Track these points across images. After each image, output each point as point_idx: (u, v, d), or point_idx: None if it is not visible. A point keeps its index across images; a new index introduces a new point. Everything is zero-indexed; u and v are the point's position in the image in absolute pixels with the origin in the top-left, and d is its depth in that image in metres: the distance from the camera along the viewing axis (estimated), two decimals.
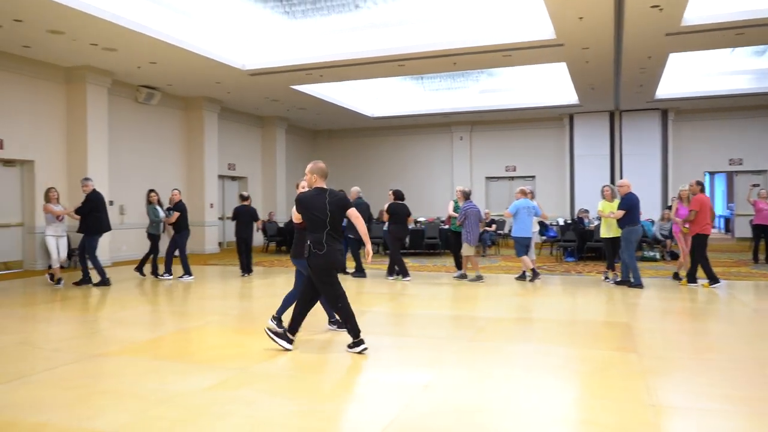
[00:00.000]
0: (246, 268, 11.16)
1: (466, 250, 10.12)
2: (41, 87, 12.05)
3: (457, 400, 4.03)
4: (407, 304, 8.29)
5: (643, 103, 16.96)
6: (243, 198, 11.16)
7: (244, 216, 10.99)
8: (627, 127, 18.27)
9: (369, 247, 5.36)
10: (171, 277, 10.53)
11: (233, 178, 18.38)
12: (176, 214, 10.43)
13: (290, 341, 5.30)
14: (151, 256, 10.79)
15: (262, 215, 17.30)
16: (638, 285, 9.08)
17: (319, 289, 5.32)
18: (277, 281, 10.49)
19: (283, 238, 16.55)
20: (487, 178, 20.74)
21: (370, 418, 3.70)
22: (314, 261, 5.15)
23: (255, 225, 11.19)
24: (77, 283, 9.64)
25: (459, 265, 10.76)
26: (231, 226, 11.81)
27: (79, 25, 9.62)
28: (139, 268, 10.89)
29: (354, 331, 5.22)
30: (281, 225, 17.00)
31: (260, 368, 4.81)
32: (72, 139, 12.54)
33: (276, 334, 5.34)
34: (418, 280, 10.51)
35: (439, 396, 4.14)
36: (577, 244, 13.39)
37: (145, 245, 10.95)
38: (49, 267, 9.81)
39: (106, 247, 12.88)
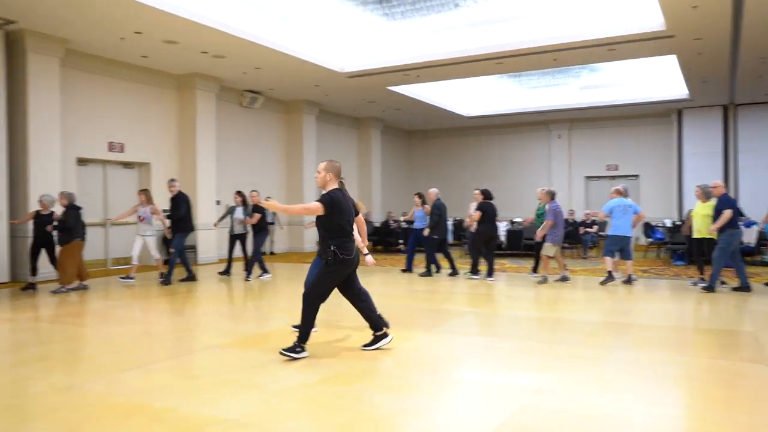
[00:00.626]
0: None
1: (548, 249, 9.86)
2: (156, 94, 12.89)
3: (574, 406, 3.88)
4: (509, 306, 8.13)
5: (762, 95, 15.73)
6: None
7: None
8: (743, 122, 17.01)
9: (365, 243, 5.95)
10: (270, 275, 10.87)
11: None
12: (257, 216, 10.56)
13: (384, 337, 5.32)
14: (236, 256, 11.14)
15: None
16: (710, 288, 8.71)
17: (315, 280, 5.15)
18: (372, 280, 10.57)
19: (379, 238, 17.00)
20: (587, 177, 20.02)
21: (481, 419, 3.64)
22: (340, 264, 5.05)
23: None
24: (183, 280, 10.19)
25: (536, 267, 10.71)
26: None
27: (192, 34, 10.19)
28: (247, 270, 11.31)
29: (304, 337, 5.04)
30: (377, 225, 17.34)
31: (367, 365, 4.87)
32: (183, 143, 13.35)
33: (373, 342, 5.31)
34: (516, 281, 10.30)
35: (554, 401, 4.01)
36: (687, 246, 12.60)
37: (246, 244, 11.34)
38: (165, 263, 10.33)
39: (213, 244, 13.60)
